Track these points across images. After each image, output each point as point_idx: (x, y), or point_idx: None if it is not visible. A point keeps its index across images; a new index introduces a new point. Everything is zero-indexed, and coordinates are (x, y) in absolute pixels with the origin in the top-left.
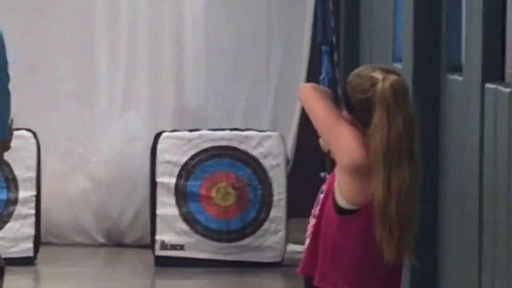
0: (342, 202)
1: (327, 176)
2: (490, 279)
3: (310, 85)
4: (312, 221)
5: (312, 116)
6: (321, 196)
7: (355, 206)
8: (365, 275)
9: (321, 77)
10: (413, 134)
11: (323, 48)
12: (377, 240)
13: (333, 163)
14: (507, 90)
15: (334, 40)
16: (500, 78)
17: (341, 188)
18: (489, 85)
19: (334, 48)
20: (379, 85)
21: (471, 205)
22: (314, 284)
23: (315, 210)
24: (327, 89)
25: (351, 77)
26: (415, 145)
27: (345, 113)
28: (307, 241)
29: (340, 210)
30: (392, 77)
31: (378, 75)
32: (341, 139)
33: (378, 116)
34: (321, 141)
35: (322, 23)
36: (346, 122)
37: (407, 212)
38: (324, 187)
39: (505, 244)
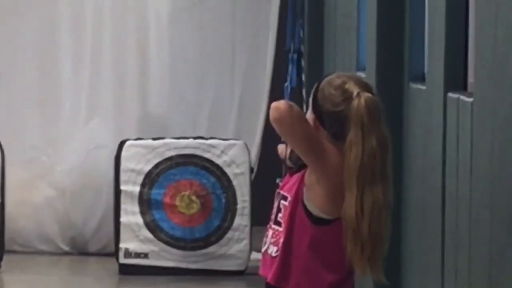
0: (317, 212)
1: (281, 182)
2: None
3: (284, 105)
4: (275, 228)
5: (292, 140)
6: (284, 203)
7: (333, 216)
8: (337, 285)
9: (285, 84)
10: (386, 152)
11: (290, 56)
12: (347, 256)
13: (288, 169)
14: (469, 99)
15: (302, 49)
16: (462, 87)
17: (319, 200)
18: (451, 95)
19: (301, 57)
20: (354, 102)
21: (434, 214)
22: None
23: (277, 216)
24: (296, 106)
25: (323, 84)
26: (388, 164)
27: (309, 114)
28: (273, 249)
29: (316, 221)
30: (367, 94)
31: (352, 88)
32: (329, 161)
33: (352, 135)
34: (279, 147)
35: (292, 31)
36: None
37: (379, 230)
38: (283, 192)
39: (467, 253)
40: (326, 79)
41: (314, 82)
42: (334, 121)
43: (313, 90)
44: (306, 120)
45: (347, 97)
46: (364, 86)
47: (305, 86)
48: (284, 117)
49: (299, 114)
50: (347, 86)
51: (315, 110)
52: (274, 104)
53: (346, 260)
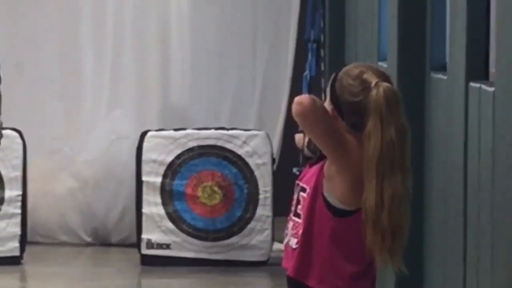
0: (337, 204)
1: (299, 171)
2: (475, 277)
3: (308, 100)
4: (295, 220)
5: (315, 135)
6: (303, 194)
7: (354, 207)
8: (359, 276)
9: (304, 73)
10: (405, 142)
11: (309, 45)
12: (367, 246)
13: (307, 159)
14: (491, 89)
15: (322, 38)
16: (484, 77)
17: (339, 191)
18: (473, 84)
19: (321, 46)
20: (373, 92)
21: (455, 203)
22: (311, 286)
23: (296, 208)
24: (319, 100)
25: (341, 74)
26: (407, 154)
27: (327, 105)
28: (293, 240)
29: (336, 212)
30: (385, 84)
31: (370, 78)
32: (350, 153)
33: (371, 125)
34: (296, 136)
35: (311, 21)
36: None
37: (399, 220)
38: (301, 184)
39: (489, 243)
40: (343, 70)
41: (335, 72)
42: (352, 112)
43: (330, 81)
44: (328, 114)
45: (366, 87)
46: (382, 76)
47: (326, 76)
48: (307, 112)
49: (322, 108)
50: (365, 76)
51: (333, 100)
52: (297, 99)
53: (367, 251)
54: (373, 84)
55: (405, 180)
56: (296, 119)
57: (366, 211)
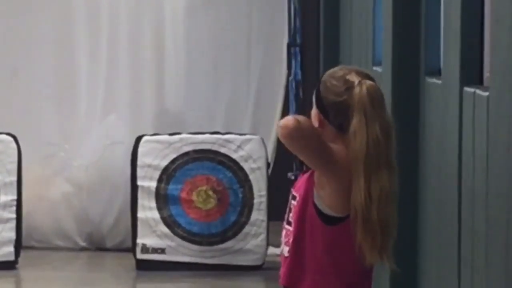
0: (328, 211)
1: (295, 176)
2: (469, 282)
3: (292, 122)
4: (287, 228)
5: (303, 155)
6: (293, 202)
7: (344, 214)
8: (354, 284)
9: (290, 78)
10: (390, 139)
11: (293, 49)
12: (358, 243)
13: (302, 164)
14: (485, 93)
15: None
16: (478, 81)
17: (329, 199)
18: (467, 89)
19: (304, 49)
20: (356, 90)
21: (450, 208)
22: None
23: (288, 217)
24: (304, 117)
25: (325, 77)
26: (392, 151)
27: (315, 111)
28: (285, 249)
29: (328, 220)
30: (368, 82)
31: (353, 78)
32: (338, 164)
33: (356, 122)
34: None
35: (290, 25)
36: (316, 121)
37: (387, 217)
38: (293, 192)
39: (483, 247)
40: (327, 72)
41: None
42: (338, 112)
43: (316, 87)
44: (315, 131)
45: (349, 86)
46: (365, 76)
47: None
48: (293, 134)
49: (307, 127)
50: (348, 76)
51: (319, 104)
52: (282, 122)
53: (361, 257)
54: (356, 83)
55: (391, 177)
56: (284, 142)
57: (356, 209)
